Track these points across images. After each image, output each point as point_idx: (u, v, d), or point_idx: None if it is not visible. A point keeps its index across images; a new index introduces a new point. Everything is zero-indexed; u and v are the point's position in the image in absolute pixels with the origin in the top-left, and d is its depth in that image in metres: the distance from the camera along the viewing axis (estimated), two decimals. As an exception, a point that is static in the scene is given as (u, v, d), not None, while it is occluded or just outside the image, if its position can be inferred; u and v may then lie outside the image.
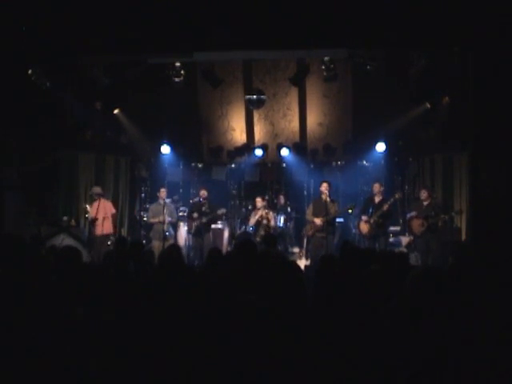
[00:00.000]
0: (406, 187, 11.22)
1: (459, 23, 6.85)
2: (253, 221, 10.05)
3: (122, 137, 11.29)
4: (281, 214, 10.58)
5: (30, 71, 8.19)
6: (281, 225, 10.44)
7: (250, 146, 11.69)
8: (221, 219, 10.54)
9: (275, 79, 10.97)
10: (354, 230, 10.44)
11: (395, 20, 6.93)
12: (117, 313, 3.09)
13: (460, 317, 2.66)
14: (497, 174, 6.90)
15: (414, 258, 9.07)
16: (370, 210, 9.30)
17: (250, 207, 11.06)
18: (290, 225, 10.78)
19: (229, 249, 10.15)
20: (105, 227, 9.73)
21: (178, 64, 9.28)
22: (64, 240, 8.97)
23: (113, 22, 7.11)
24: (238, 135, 11.82)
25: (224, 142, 11.86)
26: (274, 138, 11.73)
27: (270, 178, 11.99)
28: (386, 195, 9.45)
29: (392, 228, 10.17)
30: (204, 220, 9.84)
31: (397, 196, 9.31)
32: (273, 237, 7.70)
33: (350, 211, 9.80)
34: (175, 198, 11.17)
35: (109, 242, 9.74)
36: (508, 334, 2.64)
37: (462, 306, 2.82)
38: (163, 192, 10.16)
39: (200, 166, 12.02)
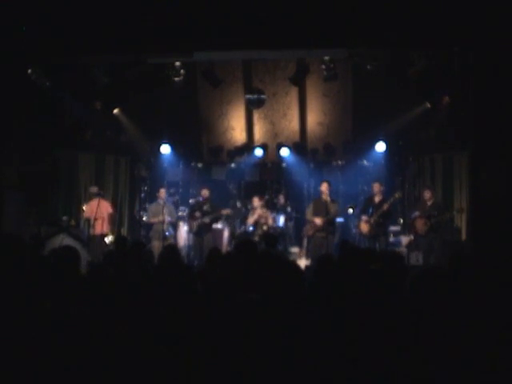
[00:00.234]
0: (406, 187, 11.22)
1: (459, 23, 6.85)
2: (251, 220, 10.06)
3: (121, 136, 11.29)
4: (281, 214, 10.58)
5: (29, 71, 8.19)
6: (281, 225, 10.44)
7: (249, 145, 11.69)
8: (222, 219, 10.55)
9: (275, 79, 10.97)
10: (354, 230, 10.44)
11: (395, 20, 6.93)
12: (116, 313, 3.09)
13: (460, 317, 2.66)
14: (497, 174, 6.90)
15: (414, 258, 9.08)
16: (370, 210, 9.30)
17: (249, 207, 11.06)
18: (290, 225, 10.78)
19: (229, 249, 10.15)
20: (101, 227, 9.71)
21: (177, 64, 9.27)
22: (64, 240, 8.96)
23: (113, 22, 7.11)
24: (238, 135, 11.82)
25: (224, 142, 11.86)
26: (273, 138, 11.73)
27: (269, 178, 11.98)
28: (386, 195, 9.45)
29: (392, 228, 10.17)
30: (207, 220, 9.84)
31: (396, 196, 9.32)
32: (273, 237, 7.70)
33: (350, 211, 9.80)
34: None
35: (107, 242, 9.73)
36: (508, 333, 2.64)
37: (462, 306, 2.82)
38: (162, 192, 10.17)
39: (200, 165, 12.01)
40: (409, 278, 2.74)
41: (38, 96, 8.66)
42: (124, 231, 11.54)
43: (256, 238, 9.42)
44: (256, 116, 11.57)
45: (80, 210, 10.80)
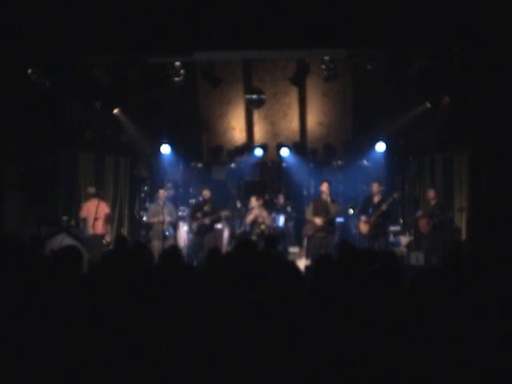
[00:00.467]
0: (406, 187, 11.22)
1: (459, 23, 6.85)
2: (248, 220, 10.07)
3: (121, 136, 11.29)
4: (281, 214, 10.58)
5: (29, 71, 8.18)
6: (281, 225, 10.44)
7: (249, 145, 11.70)
8: (222, 220, 10.55)
9: (275, 79, 10.97)
10: (354, 230, 10.44)
11: (395, 20, 6.93)
12: (116, 313, 3.09)
13: (460, 317, 2.66)
14: (497, 174, 6.90)
15: (414, 258, 9.09)
16: (370, 210, 9.30)
17: (248, 207, 11.07)
18: (290, 225, 10.78)
19: (229, 249, 10.15)
20: (97, 227, 9.68)
21: (177, 64, 9.26)
22: (64, 240, 8.96)
23: (113, 22, 7.11)
24: (238, 135, 11.83)
25: (224, 142, 11.86)
26: (273, 138, 11.74)
27: (269, 178, 12.00)
28: (386, 195, 9.45)
29: (392, 228, 10.17)
30: (207, 221, 9.85)
31: (395, 196, 9.31)
32: (273, 237, 7.70)
33: (351, 211, 9.80)
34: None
35: (104, 242, 9.72)
36: (508, 333, 2.64)
37: (462, 305, 2.82)
38: (162, 193, 10.17)
39: (200, 165, 12.02)
40: (409, 278, 2.73)
41: (38, 96, 8.65)
42: (124, 231, 11.53)
43: (253, 237, 9.43)
44: (256, 116, 11.57)
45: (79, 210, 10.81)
